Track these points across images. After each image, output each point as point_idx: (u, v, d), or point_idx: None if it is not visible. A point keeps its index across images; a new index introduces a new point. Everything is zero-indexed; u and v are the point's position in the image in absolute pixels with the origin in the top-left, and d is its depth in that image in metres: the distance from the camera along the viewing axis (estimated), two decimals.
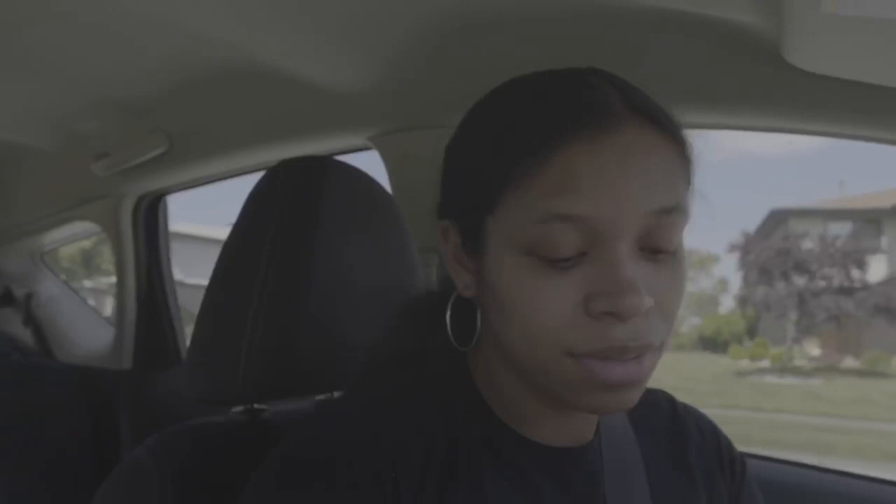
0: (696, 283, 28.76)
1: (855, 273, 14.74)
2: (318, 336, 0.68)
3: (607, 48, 0.79)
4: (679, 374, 13.73)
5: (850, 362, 14.89)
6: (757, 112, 0.81)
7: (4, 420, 1.38)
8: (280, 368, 0.68)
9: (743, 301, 18.61)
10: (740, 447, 0.67)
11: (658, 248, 0.48)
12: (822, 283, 14.86)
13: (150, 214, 1.53)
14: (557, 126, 0.47)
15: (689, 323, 26.69)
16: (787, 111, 0.77)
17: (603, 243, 0.47)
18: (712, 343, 22.07)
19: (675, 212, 0.48)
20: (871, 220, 17.87)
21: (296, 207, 0.72)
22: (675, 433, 0.64)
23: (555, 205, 0.46)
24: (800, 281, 14.95)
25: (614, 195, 0.46)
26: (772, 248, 15.32)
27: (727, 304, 26.50)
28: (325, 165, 0.76)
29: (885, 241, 17.75)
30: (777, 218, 18.98)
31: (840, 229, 16.10)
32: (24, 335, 1.81)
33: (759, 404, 10.51)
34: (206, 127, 1.22)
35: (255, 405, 0.74)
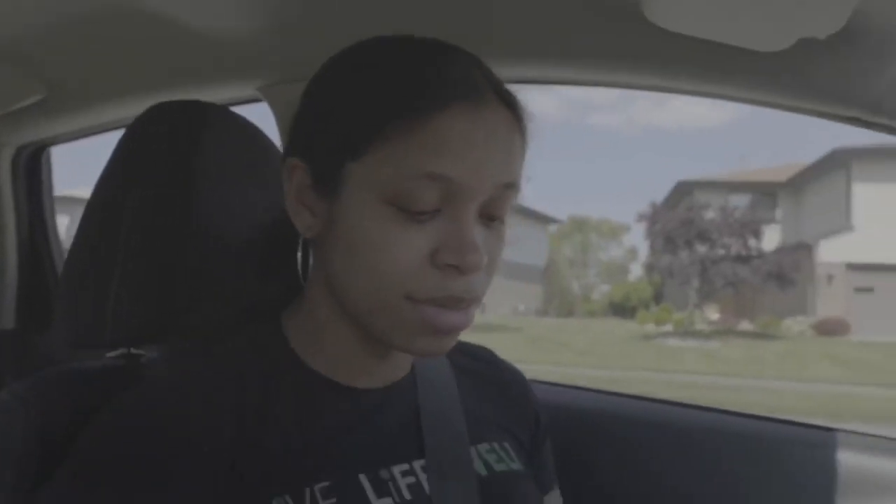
0: (608, 252, 29.80)
1: (751, 242, 15.62)
2: (189, 281, 0.68)
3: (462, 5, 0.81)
4: (589, 339, 14.28)
5: (745, 325, 15.87)
6: (618, 69, 0.85)
7: None
8: (149, 313, 0.67)
9: (650, 269, 19.42)
10: None
11: (493, 216, 0.55)
12: (721, 252, 15.67)
13: (32, 166, 1.44)
14: (437, 95, 0.51)
15: (599, 290, 27.70)
16: (649, 69, 0.81)
17: (457, 204, 0.52)
18: (621, 309, 23.01)
19: (513, 187, 0.55)
20: (767, 193, 18.99)
21: (171, 150, 0.71)
22: (494, 382, 0.71)
23: (426, 164, 0.50)
24: (702, 249, 15.72)
25: (477, 164, 0.51)
26: (677, 218, 16.01)
27: (636, 272, 27.64)
28: (202, 109, 0.75)
29: (779, 213, 18.93)
30: (683, 189, 19.85)
31: (740, 201, 17.01)
32: None
33: (661, 365, 11.06)
34: (86, 73, 1.15)
35: (132, 350, 0.74)
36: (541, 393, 0.77)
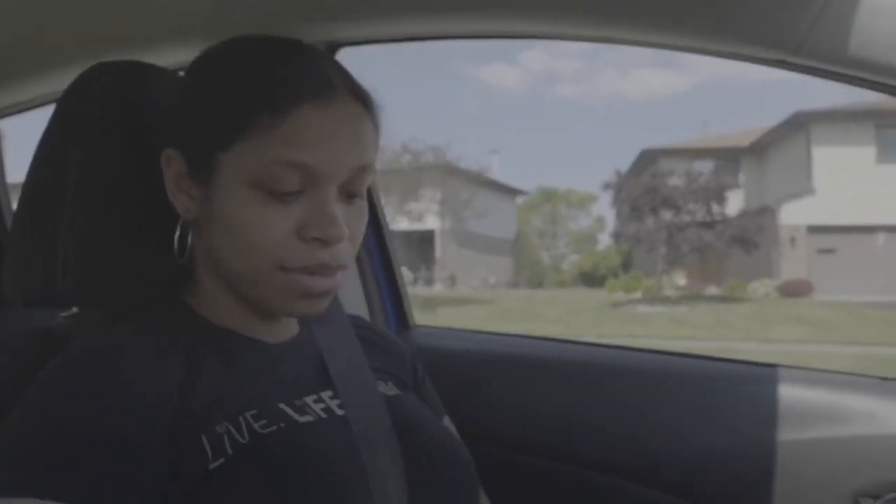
0: (577, 222, 30.08)
1: (715, 207, 15.85)
2: (117, 246, 0.69)
3: None
4: (560, 308, 14.45)
5: (712, 290, 16.20)
6: (514, 18, 0.85)
7: None
8: (95, 271, 0.68)
9: (617, 237, 19.66)
10: None
11: (354, 194, 0.63)
12: (686, 218, 15.89)
13: None
14: (293, 91, 0.58)
15: (569, 261, 28.02)
16: (577, 16, 0.82)
17: (317, 186, 0.59)
18: (591, 278, 23.33)
19: (368, 168, 0.62)
20: (730, 159, 19.25)
21: (109, 110, 0.71)
22: (375, 341, 0.80)
23: (285, 153, 0.58)
24: (667, 216, 15.92)
25: (330, 152, 0.59)
26: (641, 186, 16.16)
27: (605, 241, 27.98)
28: (141, 69, 0.75)
29: (742, 178, 19.23)
30: (647, 157, 20.04)
31: (703, 167, 17.21)
32: None
33: (631, 332, 11.26)
34: (28, 40, 1.14)
35: (84, 310, 0.74)
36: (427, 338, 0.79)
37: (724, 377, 1.03)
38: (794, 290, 15.12)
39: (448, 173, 18.68)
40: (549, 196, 29.36)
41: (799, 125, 16.67)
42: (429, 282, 20.06)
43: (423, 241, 19.90)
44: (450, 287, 19.38)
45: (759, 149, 18.94)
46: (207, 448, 0.55)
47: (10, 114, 1.37)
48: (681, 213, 15.90)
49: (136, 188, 0.70)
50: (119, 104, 0.71)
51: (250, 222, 0.59)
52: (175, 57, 1.09)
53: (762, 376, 1.00)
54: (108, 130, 0.70)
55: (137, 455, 0.53)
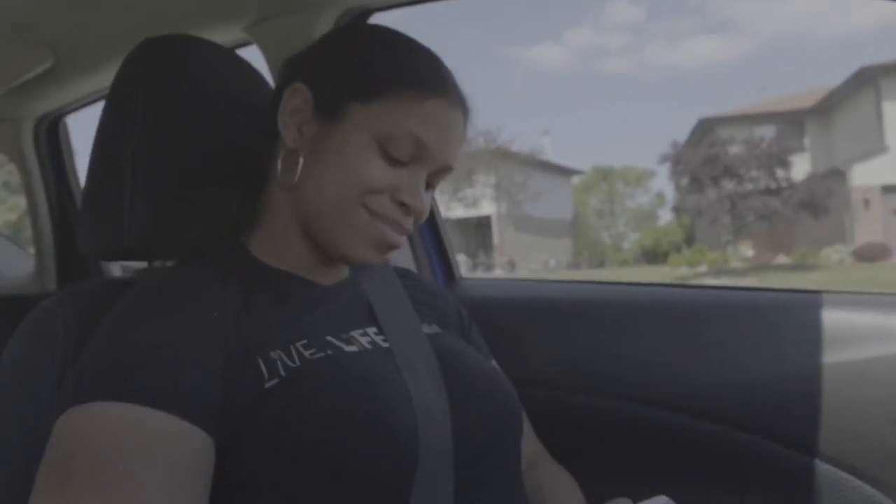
0: (635, 200, 29.45)
1: (780, 173, 15.30)
2: (180, 201, 0.75)
3: None
4: None
5: (781, 259, 15.64)
6: None
7: None
8: (156, 227, 0.75)
9: (678, 211, 19.18)
10: None
11: (431, 184, 0.73)
12: (750, 186, 15.39)
13: (51, 136, 1.53)
14: (439, 85, 0.69)
15: (629, 239, 27.47)
16: None
17: (419, 165, 0.69)
18: (653, 255, 22.81)
19: (451, 169, 0.73)
20: (793, 122, 18.51)
21: (161, 79, 0.77)
22: (422, 291, 0.86)
23: (416, 128, 0.67)
24: (729, 185, 15.45)
25: (442, 143, 0.69)
26: (700, 156, 15.72)
27: (666, 217, 27.32)
28: (188, 41, 0.81)
29: (807, 140, 18.46)
30: (705, 126, 19.46)
31: (765, 132, 16.62)
32: None
33: None
34: (89, 36, 1.23)
35: (156, 263, 0.81)
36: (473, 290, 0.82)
37: (768, 307, 1.03)
38: (870, 253, 14.45)
39: (500, 157, 18.61)
40: (605, 175, 28.85)
41: (866, 81, 15.88)
42: (488, 268, 20.04)
43: (480, 227, 19.90)
44: (510, 272, 19.30)
45: (824, 109, 18.13)
46: (263, 369, 0.61)
47: (79, 107, 1.48)
48: (743, 181, 15.41)
49: (194, 145, 0.76)
50: (170, 72, 0.78)
51: (359, 163, 0.66)
52: (220, 37, 1.16)
53: (808, 303, 1.00)
54: (161, 95, 0.77)
55: (206, 367, 0.59)
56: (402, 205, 0.69)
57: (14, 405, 0.70)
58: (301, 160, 0.69)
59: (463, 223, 18.99)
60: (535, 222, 20.92)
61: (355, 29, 0.76)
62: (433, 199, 1.28)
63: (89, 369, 0.58)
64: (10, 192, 13.77)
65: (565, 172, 24.89)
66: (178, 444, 0.54)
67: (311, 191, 0.68)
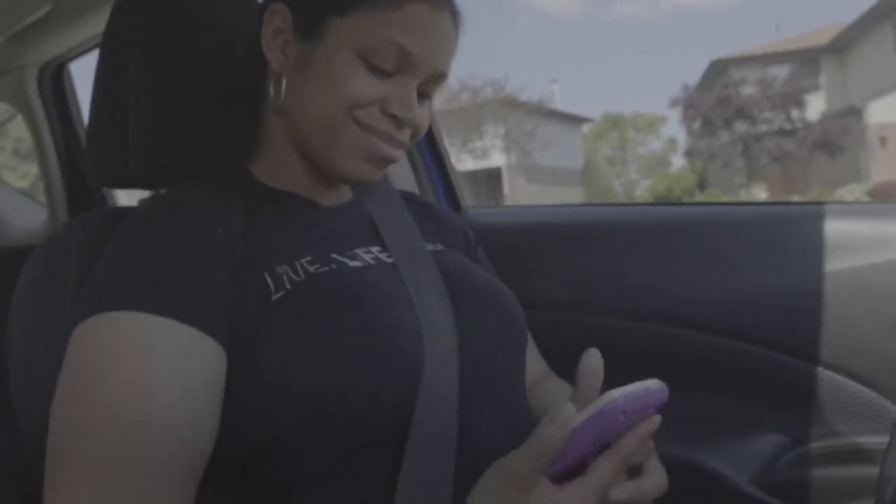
0: (646, 146, 29.07)
1: (794, 113, 15.03)
2: (184, 127, 0.76)
3: None
4: None
5: (796, 200, 15.49)
6: None
7: None
8: (162, 153, 0.76)
9: (690, 155, 18.96)
10: None
11: (425, 94, 0.71)
12: (763, 128, 15.15)
13: (56, 84, 1.54)
14: None
15: (641, 186, 27.22)
16: None
17: (406, 74, 0.67)
18: (666, 201, 22.66)
19: (444, 77, 0.70)
20: (808, 60, 18.08)
21: (157, 10, 0.77)
22: (428, 213, 0.87)
23: (396, 35, 0.64)
24: (742, 127, 15.23)
25: (429, 48, 0.66)
26: (712, 98, 15.46)
27: (679, 163, 26.99)
28: None
29: (822, 79, 18.06)
30: (717, 68, 19.05)
31: (779, 72, 16.27)
32: None
33: None
34: None
35: (163, 192, 0.83)
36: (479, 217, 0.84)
37: (771, 220, 1.04)
38: (887, 192, 14.26)
39: (509, 107, 18.37)
40: (615, 122, 28.44)
41: (883, 16, 15.41)
42: None
43: (490, 179, 19.79)
44: None
45: (840, 46, 17.67)
46: (270, 283, 0.62)
47: (81, 53, 1.48)
48: (757, 122, 15.17)
49: (193, 74, 0.77)
50: (168, 5, 0.77)
51: (344, 78, 0.65)
52: None
53: (809, 214, 1.01)
54: (158, 25, 0.77)
55: (214, 278, 0.60)
56: (394, 117, 0.67)
57: (34, 325, 0.73)
58: (284, 82, 0.69)
59: (473, 175, 18.89)
60: (545, 172, 20.77)
61: None
62: (438, 129, 1.28)
63: (101, 282, 0.59)
64: (20, 160, 13.81)
65: (575, 121, 24.56)
66: (191, 350, 0.55)
67: (299, 111, 0.68)
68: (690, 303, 1.04)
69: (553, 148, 19.77)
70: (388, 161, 0.70)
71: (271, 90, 0.70)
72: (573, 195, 22.92)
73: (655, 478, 0.60)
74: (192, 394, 0.54)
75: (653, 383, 0.53)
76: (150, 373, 0.53)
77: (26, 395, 0.72)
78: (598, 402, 0.50)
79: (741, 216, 1.07)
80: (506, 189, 20.00)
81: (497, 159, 19.45)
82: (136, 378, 0.53)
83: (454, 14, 0.70)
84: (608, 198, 25.17)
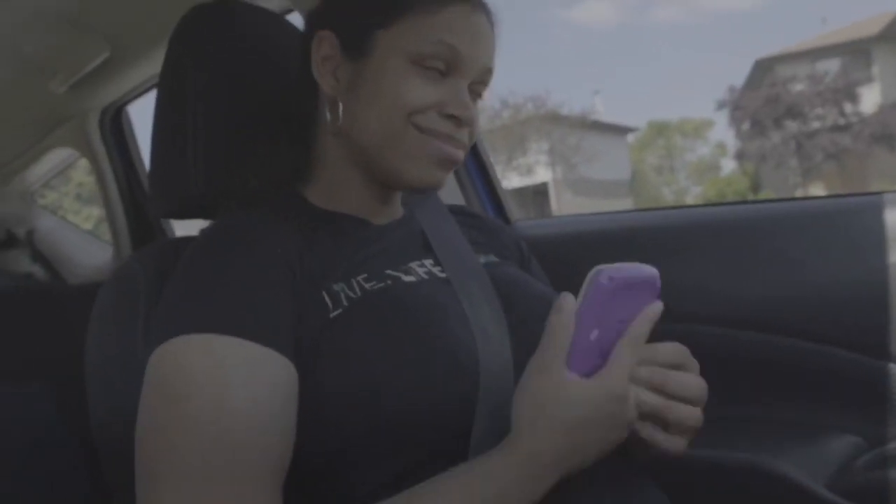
0: (695, 152, 28.51)
1: (848, 107, 14.56)
2: (236, 153, 0.79)
3: None
4: None
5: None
6: None
7: (35, 338, 1.48)
8: (219, 181, 0.78)
9: (740, 158, 18.51)
10: None
11: (477, 92, 0.73)
12: (816, 124, 14.72)
13: (116, 126, 1.62)
14: None
15: (692, 193, 26.68)
16: None
17: (457, 75, 0.69)
18: None
19: (491, 72, 0.72)
20: (859, 51, 17.50)
21: (213, 43, 0.81)
22: (479, 226, 0.87)
23: (442, 34, 0.67)
24: (793, 126, 14.81)
25: (474, 46, 0.69)
26: (760, 98, 15.10)
27: (729, 166, 26.37)
28: (235, 4, 0.85)
29: (876, 69, 17.45)
30: (763, 67, 18.59)
31: (829, 66, 15.80)
32: (35, 269, 1.95)
33: None
34: (139, 22, 1.29)
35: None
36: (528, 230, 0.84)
37: (828, 213, 1.01)
38: None
39: (552, 121, 18.33)
40: (660, 129, 28.01)
41: None
42: None
43: (537, 195, 19.71)
44: None
45: (893, 34, 17.04)
46: (328, 301, 0.64)
47: (139, 94, 1.56)
48: (808, 119, 14.73)
49: (246, 103, 0.80)
50: (219, 37, 0.81)
51: (399, 87, 0.67)
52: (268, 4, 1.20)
53: (868, 205, 0.98)
54: (212, 56, 0.80)
55: (276, 296, 0.62)
56: (452, 117, 0.68)
57: (108, 354, 0.77)
58: (341, 105, 0.70)
59: (519, 192, 18.84)
60: (592, 185, 20.56)
61: None
62: (482, 144, 1.29)
63: (173, 307, 0.62)
64: (83, 203, 14.45)
65: (620, 131, 24.31)
66: (268, 371, 0.57)
67: (358, 129, 0.69)
68: (750, 303, 1.02)
69: (599, 160, 19.58)
70: (454, 162, 0.71)
71: (327, 115, 0.72)
72: (622, 206, 22.60)
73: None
74: (268, 405, 0.56)
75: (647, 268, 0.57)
76: (225, 388, 0.55)
77: (108, 426, 0.76)
78: (587, 279, 0.55)
79: (797, 211, 1.05)
80: (553, 204, 19.87)
81: (543, 175, 19.37)
82: (213, 394, 0.55)
83: (489, 14, 0.72)
84: (658, 206, 24.70)
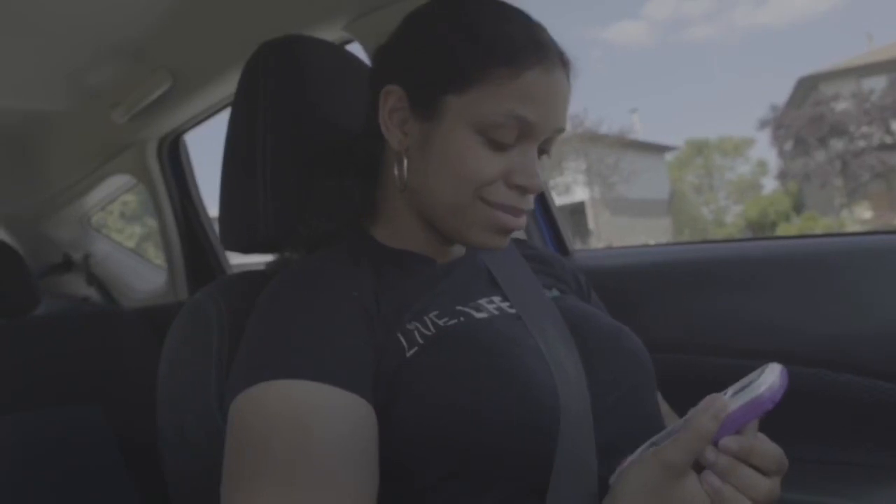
0: (734, 171, 28.03)
1: (895, 125, 14.19)
2: (302, 194, 0.79)
3: None
4: None
5: None
6: None
7: (89, 361, 1.51)
8: (287, 218, 0.79)
9: (783, 177, 18.14)
10: None
11: (544, 151, 0.71)
12: (862, 143, 14.37)
13: (173, 154, 1.65)
14: (531, 55, 0.65)
15: (732, 212, 26.21)
16: None
17: (528, 142, 0.67)
18: (760, 227, 21.66)
19: (563, 130, 0.69)
20: None
21: (280, 78, 0.82)
22: (539, 259, 0.86)
23: (516, 108, 0.64)
24: (838, 145, 14.49)
25: (548, 113, 0.66)
26: (804, 117, 14.82)
27: (770, 185, 25.86)
28: (302, 41, 0.86)
29: None
30: (806, 85, 18.27)
31: (875, 83, 15.44)
32: (90, 292, 1.99)
33: None
34: (202, 54, 1.31)
35: (287, 254, 0.86)
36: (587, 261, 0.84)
37: (891, 249, 0.98)
38: None
39: (589, 141, 18.25)
40: (699, 148, 27.64)
41: None
42: None
43: (575, 214, 19.59)
44: None
45: None
46: (403, 341, 0.63)
47: (196, 123, 1.59)
48: (854, 138, 14.40)
49: (314, 141, 0.80)
50: (287, 72, 0.82)
51: (467, 160, 0.65)
52: (325, 35, 1.21)
53: None
54: (281, 94, 0.81)
55: (354, 340, 0.62)
56: (518, 187, 0.67)
57: (180, 394, 0.77)
58: (406, 161, 0.69)
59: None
60: (630, 204, 20.38)
61: (433, 11, 0.71)
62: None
63: (252, 353, 0.62)
64: (126, 222, 14.83)
65: (658, 150, 24.08)
66: (347, 414, 0.57)
67: (424, 192, 0.69)
68: (821, 339, 0.98)
69: (637, 179, 19.42)
70: (515, 230, 0.70)
71: (395, 170, 0.71)
72: (660, 226, 22.33)
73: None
74: (352, 457, 0.56)
75: (779, 367, 0.55)
76: (303, 432, 0.55)
77: (179, 465, 0.76)
78: (753, 390, 0.52)
79: (866, 246, 1.01)
80: (590, 223, 19.72)
81: (580, 194, 19.27)
82: (292, 438, 0.55)
83: (566, 66, 0.69)
84: (697, 226, 24.37)
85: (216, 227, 0.88)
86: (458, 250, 0.79)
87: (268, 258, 0.85)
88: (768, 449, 0.53)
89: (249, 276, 0.84)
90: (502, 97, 0.64)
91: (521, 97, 0.64)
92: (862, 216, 15.17)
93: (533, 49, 0.65)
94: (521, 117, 0.64)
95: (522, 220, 0.70)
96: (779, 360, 0.99)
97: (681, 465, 0.50)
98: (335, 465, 0.55)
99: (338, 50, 0.90)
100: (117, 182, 1.88)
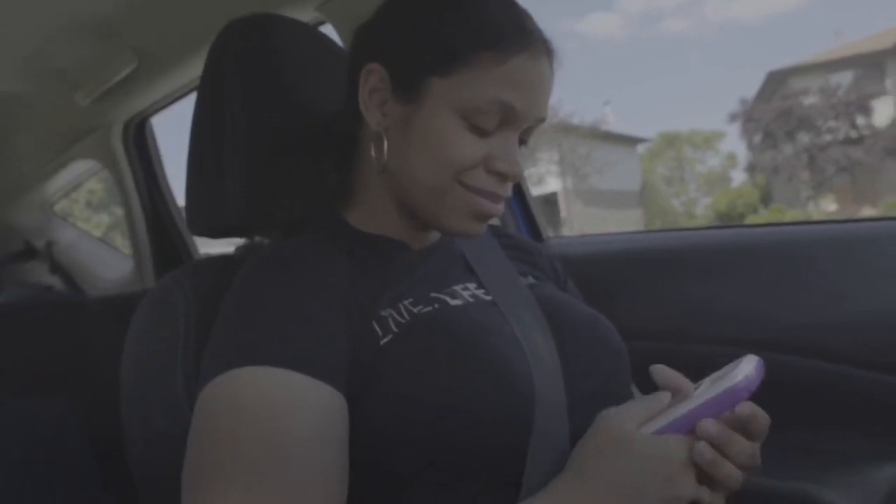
0: (705, 164, 28.43)
1: (860, 120, 14.50)
2: (273, 176, 0.76)
3: None
4: None
5: (868, 211, 14.85)
6: None
7: (53, 350, 1.47)
8: (254, 202, 0.76)
9: (752, 170, 18.44)
10: None
11: (524, 140, 0.70)
12: (828, 137, 14.66)
13: (139, 138, 1.61)
14: (518, 40, 0.63)
15: (701, 204, 26.57)
16: None
17: (509, 128, 0.66)
18: (729, 218, 21.98)
19: (544, 120, 0.69)
20: (873, 64, 17.44)
21: (250, 59, 0.79)
22: (516, 246, 0.86)
23: (500, 93, 0.63)
24: (805, 138, 14.77)
25: (532, 100, 0.65)
26: (772, 111, 15.07)
27: (739, 178, 26.26)
28: (271, 19, 0.83)
29: (889, 83, 17.37)
30: (775, 79, 18.55)
31: (842, 78, 15.73)
32: (54, 281, 1.94)
33: None
34: (168, 34, 1.28)
35: (257, 239, 0.84)
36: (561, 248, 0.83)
37: (876, 236, 0.99)
38: None
39: (562, 131, 18.32)
40: (671, 140, 27.94)
41: None
42: None
43: (547, 205, 19.68)
44: None
45: None
46: (377, 329, 0.62)
47: (163, 106, 1.55)
48: (821, 132, 14.68)
49: (286, 122, 0.77)
50: (256, 52, 0.79)
51: (448, 144, 0.64)
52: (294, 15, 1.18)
53: None
54: (250, 74, 0.78)
55: (333, 328, 0.60)
56: (499, 173, 0.66)
57: (145, 370, 0.75)
58: (386, 143, 0.68)
59: None
60: (602, 195, 20.52)
61: None
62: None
63: (224, 340, 0.60)
64: (92, 211, 14.52)
65: (630, 141, 24.26)
66: (317, 403, 0.56)
67: (403, 175, 0.67)
68: (794, 327, 0.99)
69: (609, 170, 19.56)
70: (492, 216, 0.69)
71: (372, 150, 0.69)
72: (632, 216, 22.55)
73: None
74: (321, 445, 0.54)
75: (756, 358, 0.58)
76: (271, 421, 0.54)
77: (144, 457, 0.74)
78: (730, 380, 0.55)
79: (841, 234, 1.02)
80: (563, 214, 19.84)
81: (553, 185, 19.36)
82: (260, 427, 0.53)
83: (550, 55, 0.68)
84: (668, 218, 24.67)
85: (184, 214, 0.85)
86: (434, 236, 0.77)
87: (238, 243, 0.83)
88: (743, 441, 0.56)
89: (216, 261, 0.82)
90: (487, 82, 0.63)
91: (505, 83, 0.63)
92: (827, 209, 15.49)
93: (520, 36, 0.64)
94: (504, 103, 0.63)
95: (500, 207, 0.69)
96: (751, 347, 1.00)
97: (625, 419, 0.56)
98: (304, 453, 0.53)
99: (309, 30, 0.88)
100: (81, 167, 1.83)
